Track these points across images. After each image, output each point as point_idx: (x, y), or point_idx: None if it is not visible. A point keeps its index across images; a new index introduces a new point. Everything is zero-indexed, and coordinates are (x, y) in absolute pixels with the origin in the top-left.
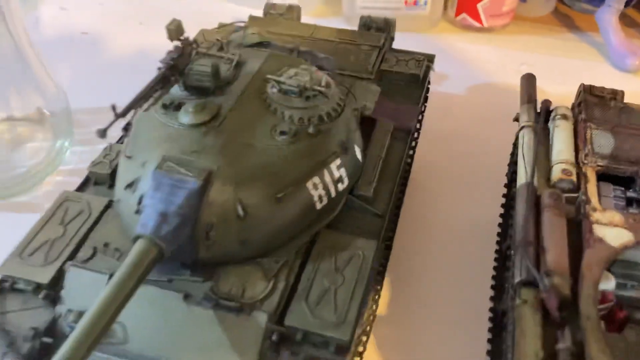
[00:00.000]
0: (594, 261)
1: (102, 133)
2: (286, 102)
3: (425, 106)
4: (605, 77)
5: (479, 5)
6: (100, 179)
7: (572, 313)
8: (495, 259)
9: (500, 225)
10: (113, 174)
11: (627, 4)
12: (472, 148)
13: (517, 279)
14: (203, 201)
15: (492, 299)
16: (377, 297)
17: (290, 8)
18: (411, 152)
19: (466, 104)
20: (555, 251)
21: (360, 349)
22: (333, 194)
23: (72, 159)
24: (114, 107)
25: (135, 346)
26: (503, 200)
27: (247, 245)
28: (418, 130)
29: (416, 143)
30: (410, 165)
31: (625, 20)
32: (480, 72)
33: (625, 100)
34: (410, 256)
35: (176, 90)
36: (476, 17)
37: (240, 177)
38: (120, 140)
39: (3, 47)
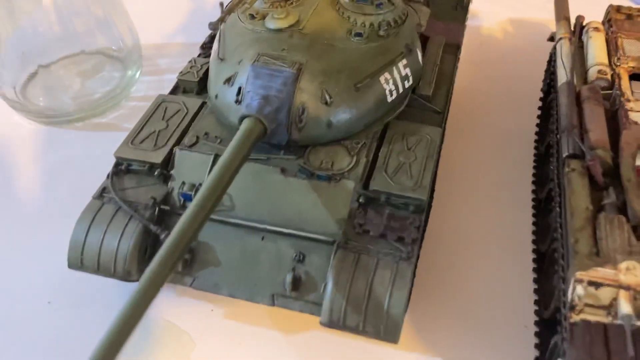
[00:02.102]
0: (631, 139)
1: (214, 27)
2: (358, 10)
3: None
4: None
5: None
6: (189, 86)
7: (613, 179)
8: (535, 160)
9: (537, 133)
10: (199, 82)
11: None
12: (507, 72)
13: (565, 154)
14: (296, 87)
15: (533, 195)
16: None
17: None
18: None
19: (498, 35)
20: (597, 131)
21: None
22: (401, 89)
23: (142, 87)
24: (221, 4)
25: (241, 213)
26: (539, 113)
27: (332, 128)
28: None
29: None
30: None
31: None
32: (511, 7)
33: None
34: (455, 163)
35: (259, 3)
36: None
37: (325, 69)
38: (201, 55)
39: None
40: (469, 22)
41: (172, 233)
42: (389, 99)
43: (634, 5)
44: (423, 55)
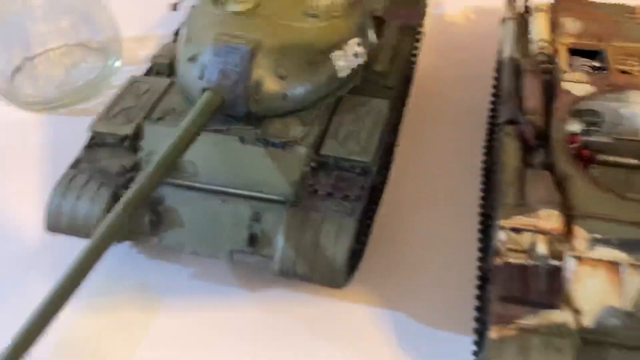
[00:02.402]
0: (562, 105)
1: (174, 7)
2: None
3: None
4: None
5: None
6: (161, 69)
7: (544, 142)
8: (486, 132)
9: (490, 109)
10: (170, 65)
11: None
12: (468, 55)
13: (502, 120)
14: (253, 62)
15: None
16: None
17: None
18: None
19: (461, 21)
20: (532, 99)
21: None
22: (353, 65)
23: (123, 76)
24: None
25: (204, 178)
26: (493, 91)
27: (287, 100)
28: (421, 32)
29: (420, 44)
30: (416, 58)
31: None
32: None
33: None
34: (417, 137)
35: None
36: None
37: (280, 47)
38: (174, 41)
39: None
40: (434, 11)
41: (128, 191)
42: (340, 75)
43: None
44: (379, 36)
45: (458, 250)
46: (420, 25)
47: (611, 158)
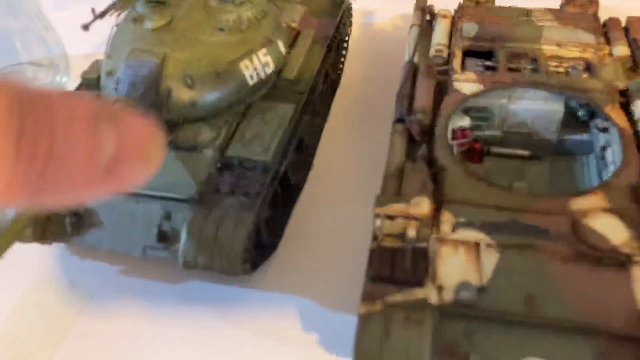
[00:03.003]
0: (450, 102)
1: (86, 27)
2: (222, 9)
3: (350, 30)
4: None
5: None
6: (91, 83)
7: (430, 137)
8: None
9: None
10: (99, 80)
11: None
12: (392, 60)
13: (393, 119)
14: (162, 74)
15: None
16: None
17: None
18: (342, 60)
19: (388, 28)
20: (422, 98)
21: None
22: (262, 74)
23: (69, 89)
24: (93, 10)
25: None
26: None
27: (197, 107)
28: (344, 44)
29: (345, 57)
30: (340, 70)
31: None
32: (402, 4)
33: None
34: (338, 135)
35: (140, 7)
36: None
37: (188, 58)
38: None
39: (14, 5)
40: (364, 19)
41: None
42: (250, 82)
43: None
44: (292, 46)
45: (364, 242)
46: (335, 33)
47: (503, 150)
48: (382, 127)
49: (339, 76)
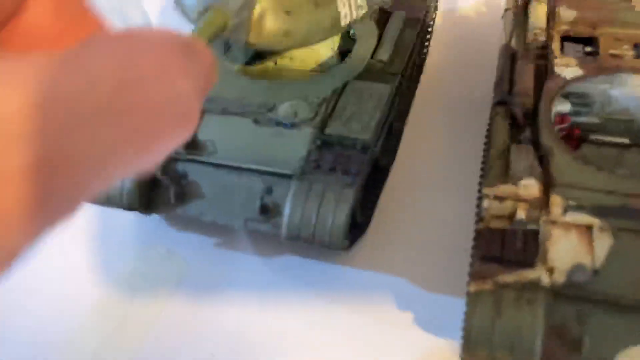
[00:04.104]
0: (552, 86)
1: None
2: None
3: (435, 14)
4: None
5: None
6: None
7: (534, 121)
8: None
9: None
10: None
11: None
12: (478, 47)
13: (493, 101)
14: None
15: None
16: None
17: None
18: (427, 43)
19: (471, 15)
20: (523, 82)
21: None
22: (355, 15)
23: None
24: None
25: (222, 155)
26: None
27: (289, 36)
28: (430, 27)
29: (429, 40)
30: (425, 54)
31: None
32: None
33: None
34: (425, 123)
35: None
36: None
37: None
38: None
39: None
40: (446, 6)
41: None
42: (343, 23)
43: None
44: (383, 28)
45: (456, 224)
46: (425, 16)
47: (602, 137)
48: (466, 111)
49: (423, 61)
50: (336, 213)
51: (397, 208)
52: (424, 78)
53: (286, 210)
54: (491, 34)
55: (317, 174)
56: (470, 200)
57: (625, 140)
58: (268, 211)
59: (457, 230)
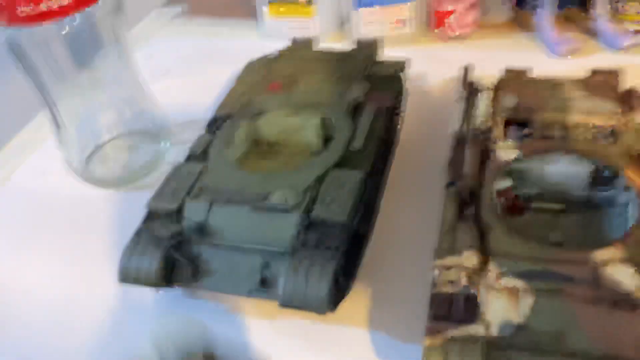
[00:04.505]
0: (493, 167)
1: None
2: None
3: (406, 95)
4: (544, 63)
5: (449, 20)
6: (195, 155)
7: (478, 199)
8: None
9: None
10: (203, 153)
11: (566, 5)
12: (444, 121)
13: (445, 183)
14: None
15: None
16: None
17: (307, 41)
18: (398, 123)
19: (443, 90)
20: (468, 165)
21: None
22: None
23: (172, 155)
24: None
25: (227, 238)
26: None
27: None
28: (400, 109)
29: (402, 119)
30: (396, 132)
31: (566, 17)
32: (451, 69)
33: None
34: (401, 189)
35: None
36: (448, 29)
37: None
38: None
39: (119, 75)
40: (416, 82)
41: None
42: None
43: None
44: (357, 119)
45: (427, 283)
46: (394, 105)
47: (540, 205)
48: (434, 180)
49: (395, 138)
50: (320, 283)
51: (375, 270)
52: (399, 151)
53: (281, 283)
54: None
55: (305, 250)
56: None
57: (560, 207)
58: (267, 283)
59: (422, 288)
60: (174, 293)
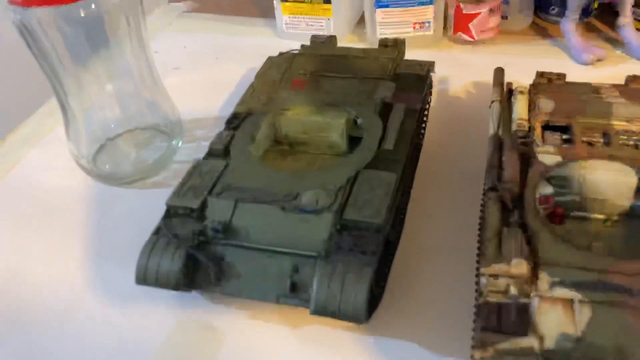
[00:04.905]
0: (535, 173)
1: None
2: None
3: (430, 99)
4: (568, 70)
5: (470, 25)
6: (217, 153)
7: (520, 204)
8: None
9: None
10: (224, 149)
11: (587, 15)
12: (469, 126)
13: (485, 187)
14: None
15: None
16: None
17: (329, 38)
18: (423, 125)
19: (462, 96)
20: (509, 170)
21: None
22: None
23: (184, 152)
24: None
25: (254, 239)
26: None
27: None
28: (426, 111)
29: (426, 122)
30: (423, 135)
31: (588, 27)
32: (473, 73)
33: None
34: (425, 197)
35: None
36: (469, 33)
37: None
38: (225, 129)
39: (129, 69)
40: (439, 86)
41: None
42: None
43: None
44: (386, 119)
45: (459, 291)
46: (422, 106)
47: (581, 214)
48: (463, 184)
49: (422, 141)
50: (357, 290)
51: (405, 279)
52: (423, 155)
53: (314, 288)
54: (480, 113)
55: (339, 254)
56: (470, 264)
57: (602, 216)
58: (297, 288)
59: (461, 295)
60: (194, 294)
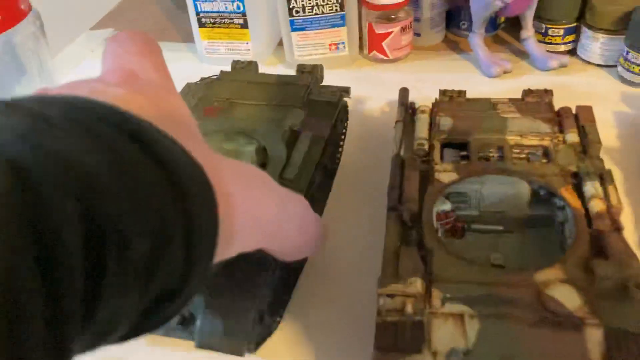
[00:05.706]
0: (433, 192)
1: None
2: None
3: (347, 123)
4: (477, 83)
5: (383, 44)
6: None
7: (419, 222)
8: None
9: None
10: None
11: (495, 28)
12: (384, 143)
13: (387, 207)
14: None
15: None
16: None
17: (250, 63)
18: (340, 150)
19: (379, 114)
20: (409, 189)
21: None
22: None
23: None
24: None
25: None
26: None
27: None
28: (343, 136)
29: (342, 147)
30: (338, 160)
31: (496, 39)
32: (388, 91)
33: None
34: (341, 211)
35: None
36: (383, 52)
37: None
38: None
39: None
40: (356, 107)
41: None
42: None
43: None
44: (292, 147)
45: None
46: (332, 134)
47: (480, 226)
48: (372, 206)
49: (337, 164)
50: (239, 325)
51: (312, 300)
52: (338, 178)
53: (197, 324)
54: (392, 132)
55: (224, 287)
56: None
57: (500, 228)
58: (184, 321)
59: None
60: None
